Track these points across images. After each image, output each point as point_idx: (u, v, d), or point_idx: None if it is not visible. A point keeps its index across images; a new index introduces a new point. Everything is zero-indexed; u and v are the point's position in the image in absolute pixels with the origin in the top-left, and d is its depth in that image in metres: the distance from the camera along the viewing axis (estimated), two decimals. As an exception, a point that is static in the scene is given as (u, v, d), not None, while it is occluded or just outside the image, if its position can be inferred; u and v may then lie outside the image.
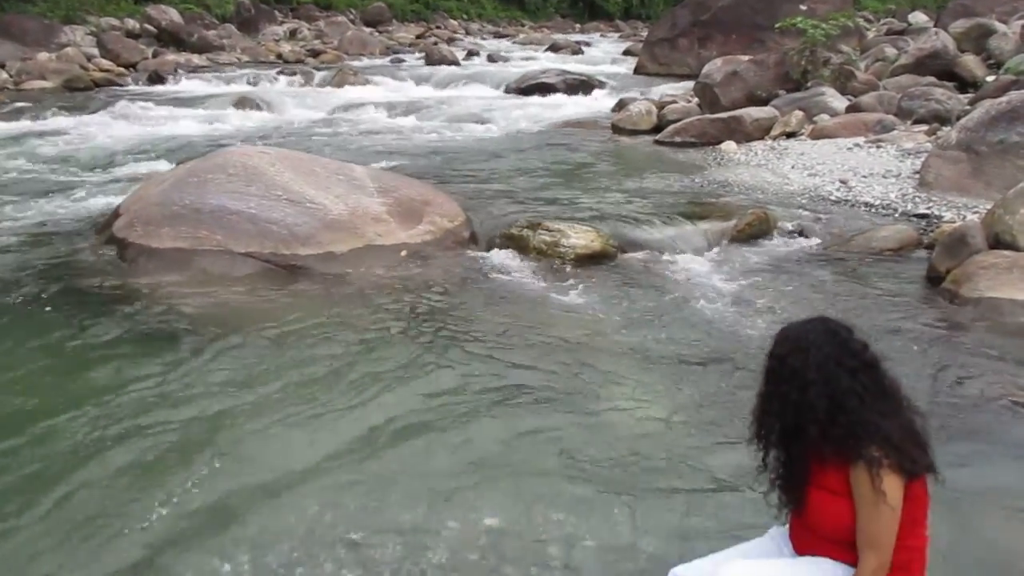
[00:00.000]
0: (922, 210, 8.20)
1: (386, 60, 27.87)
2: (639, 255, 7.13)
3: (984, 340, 5.41)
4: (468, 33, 43.84)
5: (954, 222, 7.49)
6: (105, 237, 7.12)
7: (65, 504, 3.61)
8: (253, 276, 6.45)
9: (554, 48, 32.65)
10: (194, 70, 22.41)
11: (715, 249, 7.37)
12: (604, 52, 31.70)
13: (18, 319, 5.69)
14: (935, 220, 7.85)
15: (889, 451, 2.34)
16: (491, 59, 27.72)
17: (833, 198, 8.79)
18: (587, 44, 36.06)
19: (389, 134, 13.60)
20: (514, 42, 39.45)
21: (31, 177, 10.14)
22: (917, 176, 9.08)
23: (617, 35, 46.00)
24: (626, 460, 4.00)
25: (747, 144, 11.70)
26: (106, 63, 21.87)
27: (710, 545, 2.87)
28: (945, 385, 4.79)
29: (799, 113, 12.36)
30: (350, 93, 18.54)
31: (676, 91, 16.71)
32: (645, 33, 29.85)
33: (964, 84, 13.44)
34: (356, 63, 25.14)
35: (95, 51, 22.78)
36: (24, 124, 14.03)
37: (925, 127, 11.09)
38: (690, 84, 15.94)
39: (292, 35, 33.62)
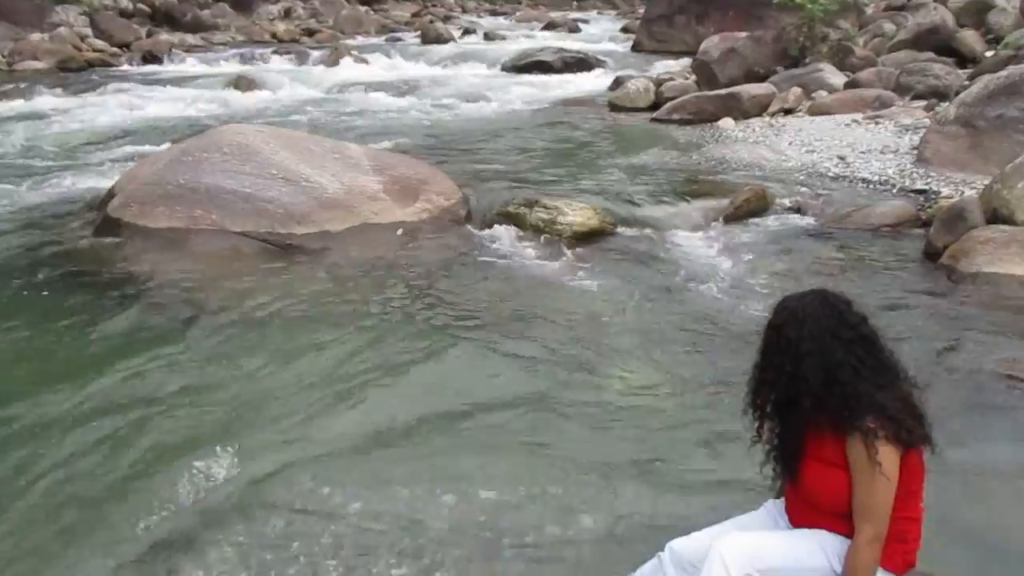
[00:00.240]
0: (920, 186, 8.17)
1: (382, 39, 27.64)
2: (636, 232, 7.11)
3: (981, 315, 5.41)
4: (464, 11, 43.46)
5: (952, 197, 7.46)
6: (100, 217, 7.08)
7: (62, 485, 3.61)
8: (249, 255, 6.43)
9: (551, 26, 32.39)
10: (188, 50, 22.21)
11: (712, 226, 7.35)
12: (601, 30, 31.45)
13: (12, 300, 5.67)
14: (933, 196, 7.82)
15: (885, 422, 2.34)
16: (487, 37, 27.52)
17: (831, 174, 8.76)
18: (584, 22, 35.75)
19: (385, 113, 13.53)
20: (511, 20, 39.15)
21: (25, 158, 10.08)
22: (915, 152, 9.04)
23: (614, 13, 45.62)
24: (622, 434, 4.01)
25: (745, 121, 11.64)
26: (100, 43, 21.66)
27: (707, 519, 2.87)
28: (942, 360, 4.79)
29: (797, 89, 12.29)
30: (345, 72, 18.41)
31: (674, 68, 16.61)
32: (642, 11, 29.60)
33: (963, 59, 13.36)
34: (351, 42, 24.92)
35: (88, 31, 22.55)
36: (17, 105, 13.92)
37: (923, 103, 11.03)
38: (688, 61, 15.86)
39: (287, 14, 33.29)
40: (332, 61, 19.75)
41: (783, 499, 2.65)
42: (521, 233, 6.98)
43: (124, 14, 25.89)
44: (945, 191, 7.87)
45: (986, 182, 7.03)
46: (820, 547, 2.42)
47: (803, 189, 8.24)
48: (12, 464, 3.75)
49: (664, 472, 3.69)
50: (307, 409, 4.25)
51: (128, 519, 3.38)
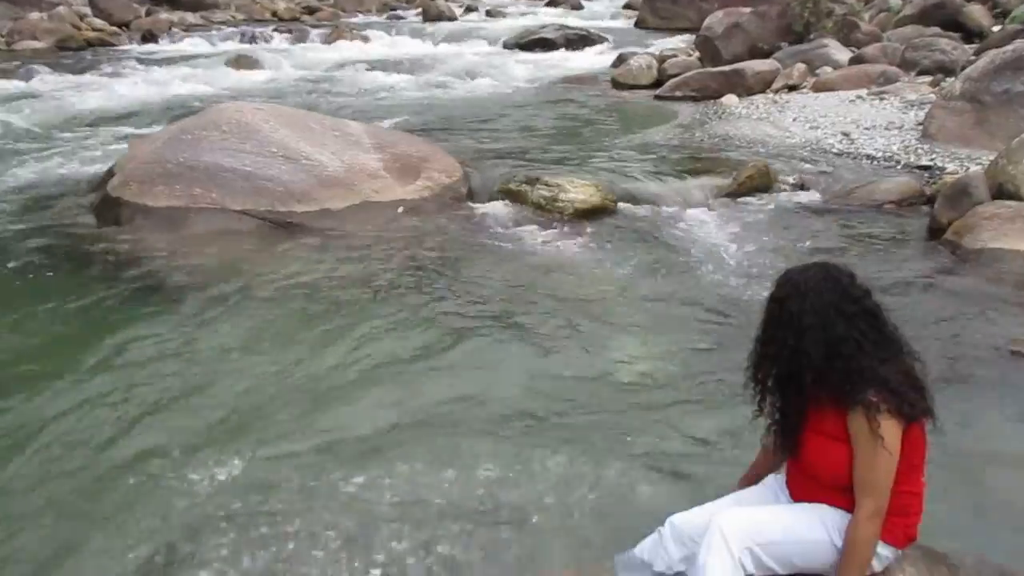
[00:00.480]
0: (925, 162, 8.10)
1: (383, 17, 27.45)
2: (638, 209, 7.07)
3: (985, 290, 5.37)
4: (466, -11, 43.07)
5: (957, 173, 7.40)
6: (100, 196, 7.05)
7: (59, 463, 3.61)
8: (249, 233, 6.41)
9: (553, 3, 32.06)
10: (188, 29, 22.08)
11: (715, 203, 7.30)
12: (604, 7, 31.14)
13: (12, 279, 5.66)
14: (938, 172, 7.76)
15: (887, 396, 2.31)
16: (489, 14, 27.31)
17: (835, 151, 8.69)
18: (587, -2, 35.44)
19: (386, 91, 13.45)
20: (513, -3, 38.79)
21: (24, 138, 10.03)
22: (920, 128, 8.97)
23: (617, -11, 45.18)
24: (624, 409, 4.00)
25: (748, 97, 11.55)
26: (99, 22, 21.52)
27: (707, 493, 2.86)
28: (945, 335, 4.76)
29: (801, 66, 12.19)
30: (346, 50, 18.30)
31: (677, 45, 16.48)
32: (646, -13, 29.30)
33: (970, 34, 13.24)
34: (352, 20, 24.79)
35: (87, 10, 22.39)
36: (16, 85, 13.85)
37: (929, 78, 10.94)
38: (691, 38, 15.71)
39: (287, -8, 33.04)
40: (333, 39, 19.64)
41: (784, 474, 2.64)
42: (523, 210, 6.94)
43: (123, -7, 25.66)
44: (950, 167, 7.81)
45: (991, 157, 6.98)
46: (820, 521, 2.41)
47: (807, 166, 8.18)
48: (8, 443, 3.74)
49: (665, 447, 3.68)
50: (307, 386, 4.24)
51: (128, 494, 3.38)
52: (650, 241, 6.38)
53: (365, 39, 19.81)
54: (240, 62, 16.07)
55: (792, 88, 11.76)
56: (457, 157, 7.89)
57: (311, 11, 27.95)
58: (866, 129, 9.27)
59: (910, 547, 2.49)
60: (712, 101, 11.60)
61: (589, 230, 6.58)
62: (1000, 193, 6.39)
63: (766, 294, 2.57)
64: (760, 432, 2.66)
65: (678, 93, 12.32)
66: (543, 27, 19.72)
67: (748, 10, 14.53)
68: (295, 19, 26.04)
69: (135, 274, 5.68)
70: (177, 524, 3.19)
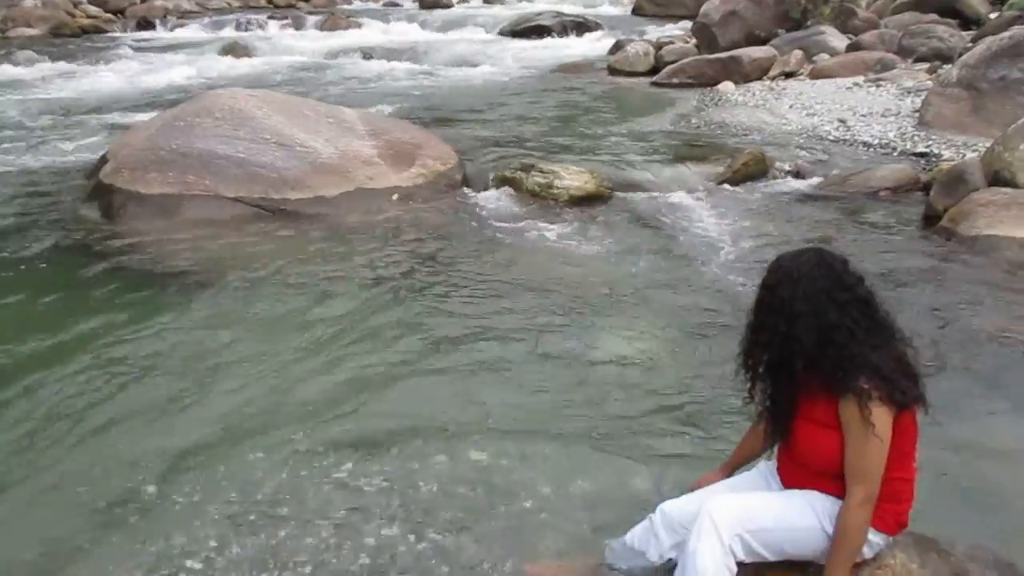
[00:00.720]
0: (921, 149, 8.09)
1: (379, 3, 27.30)
2: (633, 196, 7.05)
3: (981, 277, 5.36)
4: (463, -24, 42.87)
5: (953, 160, 7.38)
6: (93, 183, 7.01)
7: (51, 449, 3.59)
8: (242, 221, 6.38)
9: (550, -10, 31.96)
10: (183, 15, 21.96)
11: (710, 190, 7.28)
12: (601, -7, 31.06)
13: (4, 265, 5.62)
14: (934, 159, 7.75)
15: (879, 383, 2.29)
16: (487, 1, 27.17)
17: (831, 138, 8.67)
18: (584, -14, 35.27)
19: (381, 78, 13.39)
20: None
21: (18, 125, 9.98)
22: (917, 115, 8.95)
23: (615, -24, 45.00)
24: (616, 397, 3.99)
25: (745, 84, 11.52)
26: (93, 9, 21.39)
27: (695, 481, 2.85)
28: (939, 321, 4.75)
29: (798, 53, 12.16)
30: (342, 37, 18.22)
31: (674, 32, 16.42)
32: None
33: (967, 21, 13.21)
34: (348, 7, 24.64)
35: (82, -3, 22.28)
36: (10, 72, 13.78)
37: (926, 65, 10.91)
38: (688, 25, 15.65)
39: (283, -21, 32.83)
40: (329, 26, 19.54)
41: (775, 460, 2.62)
42: (518, 197, 6.92)
43: (118, -21, 25.50)
44: (946, 154, 7.79)
45: (988, 144, 6.95)
46: (811, 508, 2.40)
47: (802, 153, 8.16)
48: (5, 422, 3.73)
49: (657, 435, 3.67)
50: (299, 372, 4.23)
51: (118, 480, 3.37)
52: (645, 228, 6.37)
53: (361, 26, 19.71)
54: (235, 49, 16.00)
55: (789, 75, 11.73)
56: (453, 144, 7.86)
57: (307, -2, 27.81)
58: (862, 116, 9.24)
59: (901, 533, 2.48)
60: (708, 88, 11.56)
61: (584, 217, 6.56)
62: (996, 180, 6.37)
63: (759, 281, 2.55)
64: (751, 419, 2.65)
65: (675, 80, 12.29)
66: (539, 14, 19.64)
67: (745, -3, 14.47)
68: (291, 6, 25.88)
69: (127, 261, 5.65)
70: (167, 512, 3.18)
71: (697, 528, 2.38)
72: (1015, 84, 8.30)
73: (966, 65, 8.74)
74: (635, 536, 2.68)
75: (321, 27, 19.70)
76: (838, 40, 12.66)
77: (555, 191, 6.87)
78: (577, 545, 2.96)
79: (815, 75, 11.44)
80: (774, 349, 2.45)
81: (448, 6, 25.00)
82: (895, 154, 8.04)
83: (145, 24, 20.52)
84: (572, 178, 6.96)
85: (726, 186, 7.36)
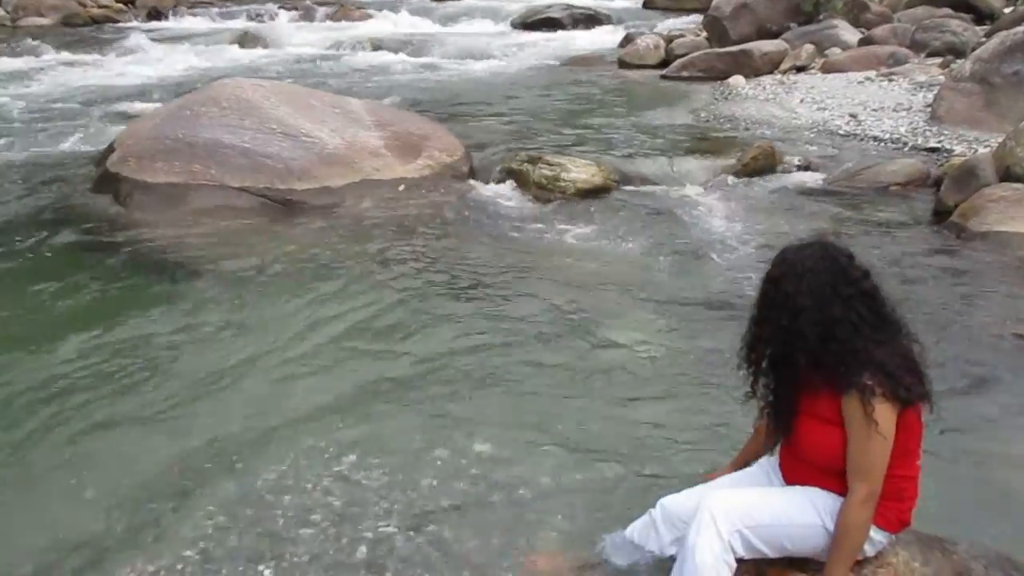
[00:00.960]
0: (932, 144, 8.01)
1: (390, -5, 27.24)
2: (640, 189, 7.01)
3: (990, 273, 5.31)
4: (474, -32, 42.72)
5: (965, 156, 7.30)
6: (100, 172, 7.01)
7: (53, 436, 3.59)
8: (248, 211, 6.37)
9: (561, -18, 31.83)
10: (193, 6, 21.92)
11: (718, 183, 7.23)
12: (613, -14, 30.91)
13: (9, 253, 5.63)
14: (945, 154, 7.66)
15: (882, 379, 2.26)
16: (497, -6, 27.05)
17: (842, 132, 8.60)
18: (595, -22, 35.12)
19: (390, 69, 13.36)
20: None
21: (28, 114, 9.99)
22: (929, 110, 8.85)
23: (626, -31, 44.77)
24: (619, 391, 3.96)
25: (756, 78, 11.43)
26: (104, -1, 21.43)
27: (701, 476, 2.83)
28: (948, 318, 4.70)
29: (810, 46, 12.05)
30: (352, 28, 18.17)
31: (685, 25, 16.31)
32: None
33: (981, 15, 13.06)
34: (359, -2, 24.59)
35: (93, -13, 22.30)
36: (21, 61, 13.80)
37: (939, 60, 10.79)
38: (699, 18, 15.54)
39: (294, -31, 32.78)
40: (339, 17, 19.50)
41: (777, 456, 2.59)
42: (524, 190, 6.89)
43: (129, -31, 25.49)
44: (958, 149, 7.71)
45: (1000, 139, 6.88)
46: (812, 505, 2.37)
47: (812, 147, 8.10)
48: (14, 408, 3.73)
49: (659, 429, 3.64)
50: (301, 363, 4.21)
51: (120, 469, 3.37)
52: (651, 221, 6.33)
53: (371, 17, 19.66)
54: (246, 40, 15.98)
55: (800, 69, 11.63)
56: (460, 136, 7.82)
57: (318, -11, 27.74)
58: (874, 111, 9.16)
59: (904, 531, 2.45)
60: (719, 82, 11.48)
61: (590, 210, 6.52)
62: (1008, 175, 6.30)
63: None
64: (754, 416, 2.62)
65: (685, 73, 12.21)
66: (550, 6, 19.50)
67: (757, -10, 14.36)
68: (301, -4, 25.85)
69: (132, 250, 5.65)
70: (163, 498, 3.17)
71: (696, 523, 2.36)
72: (1029, 79, 8.21)
73: (979, 59, 8.65)
74: (635, 530, 2.66)
75: (331, 18, 19.65)
76: (850, 34, 12.55)
77: (562, 183, 6.84)
78: (576, 539, 2.93)
79: (826, 69, 11.34)
80: (777, 344, 2.42)
81: (459, -2, 24.89)
82: (906, 149, 7.97)
83: (156, 14, 20.50)
84: (579, 171, 6.93)
85: (735, 180, 7.30)
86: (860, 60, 11.30)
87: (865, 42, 12.12)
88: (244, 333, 4.54)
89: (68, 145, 8.49)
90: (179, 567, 2.85)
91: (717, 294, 5.05)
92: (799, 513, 2.37)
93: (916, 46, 11.51)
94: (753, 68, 11.79)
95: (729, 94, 10.70)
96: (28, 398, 3.87)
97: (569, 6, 19.41)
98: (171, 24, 19.69)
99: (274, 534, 3.00)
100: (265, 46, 15.73)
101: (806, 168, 7.59)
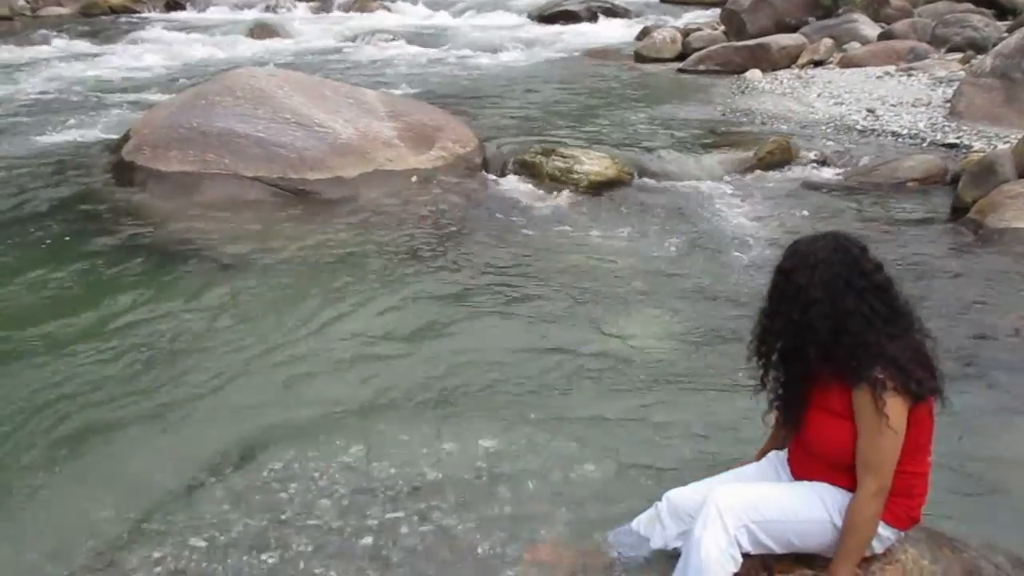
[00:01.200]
0: (951, 139, 7.92)
1: (408, -13, 27.21)
2: (655, 183, 6.97)
3: (1007, 270, 5.25)
4: (492, -40, 42.64)
5: (983, 152, 7.21)
6: (115, 160, 7.04)
7: (68, 425, 3.60)
8: (261, 200, 6.37)
9: (580, -25, 31.73)
10: (212, -5, 22.00)
11: (733, 177, 7.18)
12: (631, -21, 30.76)
13: (26, 239, 5.66)
14: (964, 150, 7.58)
15: (894, 373, 2.23)
16: (514, -14, 26.99)
17: (859, 127, 8.52)
18: (614, -29, 34.97)
19: (406, 61, 13.34)
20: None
21: (46, 103, 10.05)
22: (948, 105, 8.76)
23: (645, -37, 44.56)
24: (629, 385, 3.94)
25: (773, 72, 11.33)
26: (123, -12, 21.50)
27: (708, 469, 2.80)
28: (963, 314, 4.65)
29: (828, 41, 11.94)
30: (370, 19, 18.17)
31: (703, 19, 16.21)
32: (673, -40, 28.85)
33: (1003, 11, 12.90)
34: (376, -10, 24.55)
35: (112, -24, 22.38)
36: (41, 50, 13.86)
37: (959, 55, 10.67)
38: (717, 11, 15.43)
39: (313, -39, 32.81)
40: (357, 8, 19.50)
41: (786, 450, 2.57)
42: (537, 182, 6.86)
43: (148, -41, 25.58)
44: (977, 145, 7.62)
45: (1020, 136, 6.79)
46: (820, 500, 2.34)
47: (829, 142, 8.03)
48: (18, 404, 3.74)
49: (668, 422, 3.62)
50: (313, 354, 4.22)
51: (129, 458, 3.39)
52: (666, 214, 6.29)
53: (389, 9, 19.65)
54: (263, 30, 16.00)
55: (818, 63, 11.53)
56: (474, 128, 7.79)
57: (335, -20, 27.75)
58: (892, 106, 9.07)
59: (913, 528, 2.42)
60: (736, 76, 11.39)
61: (603, 203, 6.50)
62: (1027, 172, 6.22)
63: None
64: (763, 410, 2.58)
65: (702, 67, 12.13)
66: (568, -1, 19.44)
67: (776, -17, 14.24)
68: (319, -13, 25.86)
69: (145, 238, 5.67)
70: (169, 488, 3.17)
71: (702, 517, 2.34)
72: (1050, 75, 8.10)
73: (1000, 55, 8.54)
74: (641, 523, 2.64)
75: (349, 9, 19.65)
76: (870, 28, 12.43)
77: (575, 176, 6.81)
78: (582, 531, 2.91)
79: (845, 64, 11.24)
80: (788, 336, 2.39)
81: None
82: (924, 145, 7.88)
83: (174, 4, 20.55)
84: (593, 163, 6.89)
85: (750, 174, 7.25)
86: (879, 55, 11.20)
87: (885, 37, 12.00)
88: (255, 322, 4.54)
89: (85, 133, 8.52)
90: (186, 555, 2.85)
91: (730, 288, 5.02)
92: (807, 509, 2.34)
93: (936, 41, 11.39)
94: (771, 62, 11.69)
95: (746, 88, 10.62)
96: (39, 384, 3.88)
97: (587, -1, 19.33)
98: (189, 14, 19.72)
99: (280, 523, 3.00)
100: (282, 37, 15.74)
101: (822, 163, 7.53)
